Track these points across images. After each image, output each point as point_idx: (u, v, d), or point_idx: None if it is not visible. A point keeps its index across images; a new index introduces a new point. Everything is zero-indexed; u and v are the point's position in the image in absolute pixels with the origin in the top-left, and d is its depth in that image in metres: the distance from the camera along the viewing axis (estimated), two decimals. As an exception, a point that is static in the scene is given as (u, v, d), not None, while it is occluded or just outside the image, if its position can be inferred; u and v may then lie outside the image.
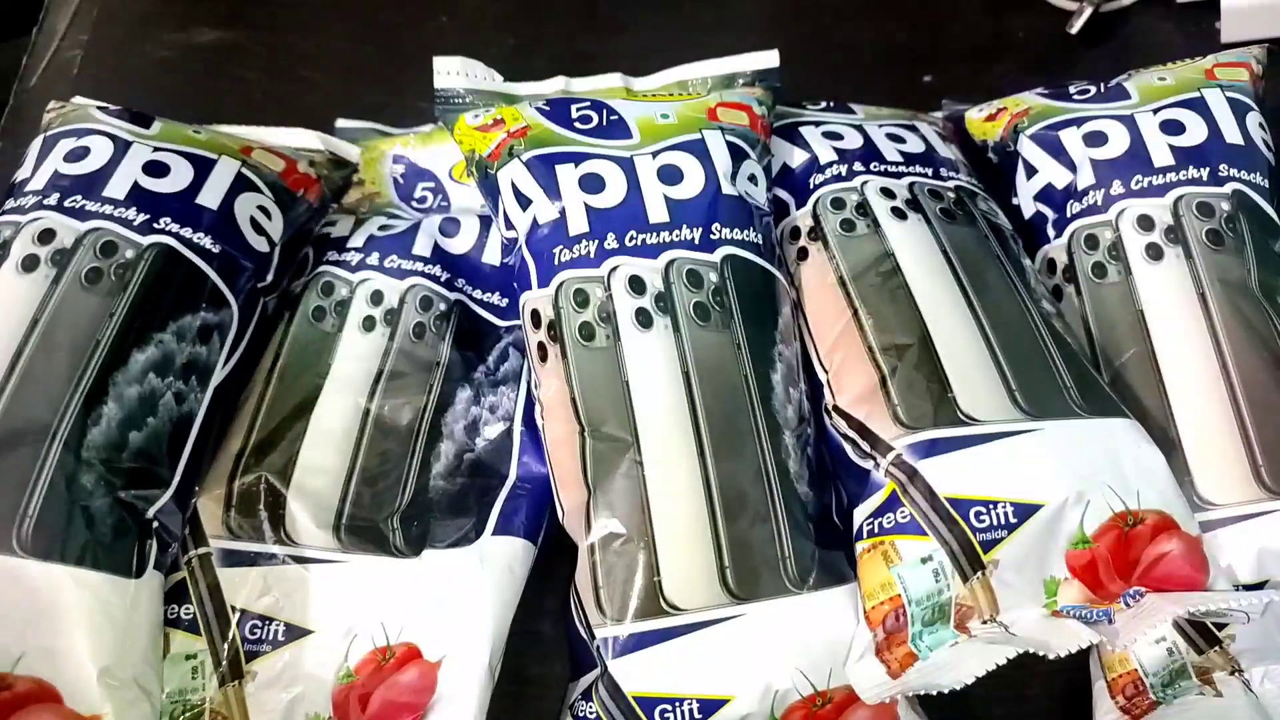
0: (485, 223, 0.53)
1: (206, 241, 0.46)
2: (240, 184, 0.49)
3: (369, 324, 0.48)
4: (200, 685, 0.40)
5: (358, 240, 0.52)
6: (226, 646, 0.41)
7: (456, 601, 0.42)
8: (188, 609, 0.42)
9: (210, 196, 0.48)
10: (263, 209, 0.49)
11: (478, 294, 0.51)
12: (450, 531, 0.44)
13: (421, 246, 0.51)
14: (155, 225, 0.46)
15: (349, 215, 0.54)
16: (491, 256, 0.52)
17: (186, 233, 0.46)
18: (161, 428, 0.42)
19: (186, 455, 0.43)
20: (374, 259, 0.50)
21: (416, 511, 0.44)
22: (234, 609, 0.41)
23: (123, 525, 0.40)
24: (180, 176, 0.48)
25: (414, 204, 0.57)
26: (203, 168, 0.49)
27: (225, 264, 0.47)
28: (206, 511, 0.43)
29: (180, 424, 0.43)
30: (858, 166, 0.50)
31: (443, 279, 0.50)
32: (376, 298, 0.49)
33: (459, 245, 0.52)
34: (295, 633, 0.41)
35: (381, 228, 0.52)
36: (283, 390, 0.46)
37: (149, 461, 0.42)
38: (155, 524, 0.41)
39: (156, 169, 0.48)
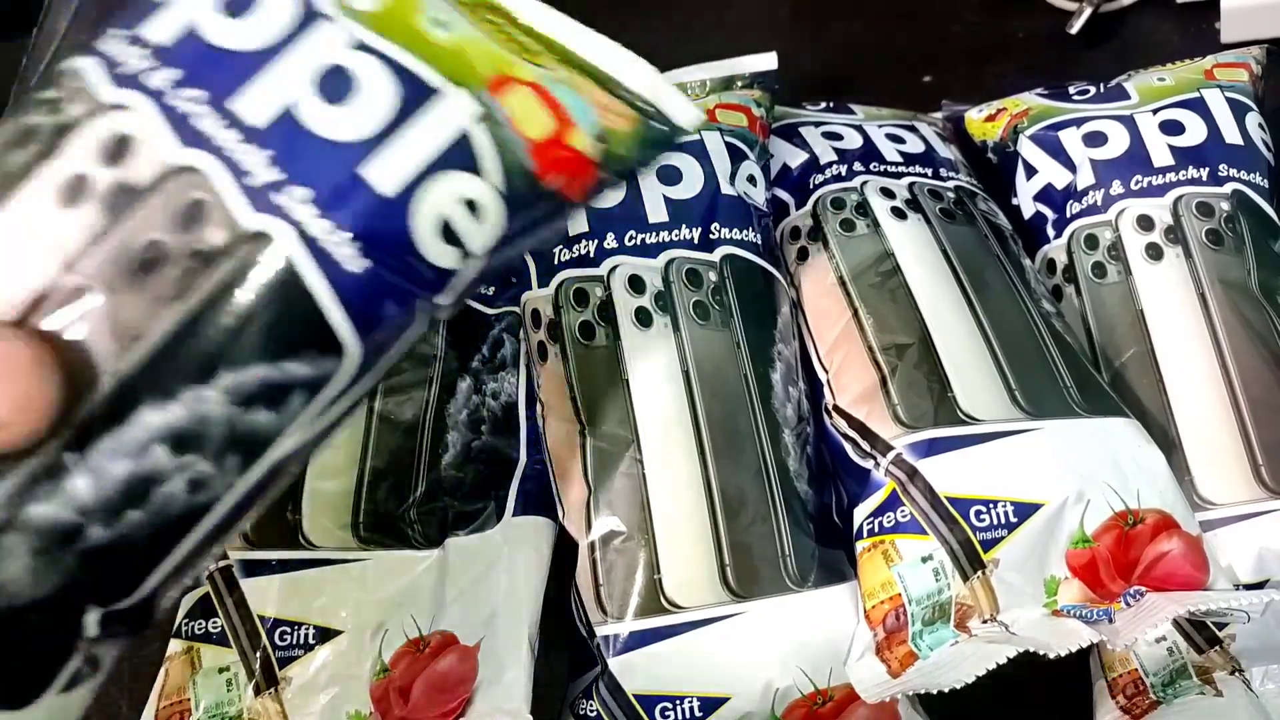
0: None
1: None
2: None
3: None
4: (236, 697, 0.40)
5: None
6: (258, 656, 0.41)
7: (487, 584, 0.42)
8: (215, 623, 0.42)
9: None
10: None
11: None
12: (470, 518, 0.44)
13: None
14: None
15: None
16: None
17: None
18: None
19: None
20: None
21: (432, 503, 0.44)
22: (262, 618, 0.41)
23: None
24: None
25: None
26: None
27: None
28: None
29: None
30: (857, 166, 0.50)
31: None
32: None
33: None
34: (325, 635, 0.41)
35: None
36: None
37: None
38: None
39: None
